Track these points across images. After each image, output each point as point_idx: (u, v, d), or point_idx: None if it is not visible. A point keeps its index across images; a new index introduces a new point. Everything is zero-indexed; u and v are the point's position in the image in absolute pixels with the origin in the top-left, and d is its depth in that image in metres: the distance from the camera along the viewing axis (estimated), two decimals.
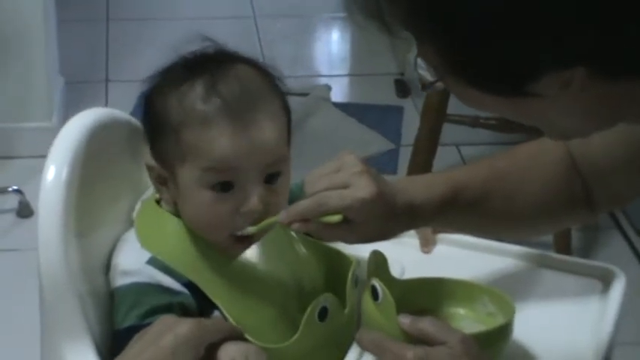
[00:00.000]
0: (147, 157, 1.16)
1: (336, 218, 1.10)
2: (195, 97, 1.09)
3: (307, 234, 1.26)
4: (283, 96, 1.15)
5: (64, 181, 1.10)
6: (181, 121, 1.09)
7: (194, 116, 1.09)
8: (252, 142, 1.08)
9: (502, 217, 1.22)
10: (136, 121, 1.21)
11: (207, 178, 1.09)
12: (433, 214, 1.17)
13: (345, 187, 1.11)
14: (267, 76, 1.14)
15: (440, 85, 0.99)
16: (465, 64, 0.94)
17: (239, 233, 1.11)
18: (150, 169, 1.15)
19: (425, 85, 1.01)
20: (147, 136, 1.16)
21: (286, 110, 1.15)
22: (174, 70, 1.12)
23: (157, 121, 1.12)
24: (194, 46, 1.13)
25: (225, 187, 1.09)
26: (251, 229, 1.10)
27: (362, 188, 1.11)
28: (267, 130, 1.09)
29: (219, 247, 1.13)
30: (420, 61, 0.99)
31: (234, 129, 1.08)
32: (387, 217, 1.14)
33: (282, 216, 1.11)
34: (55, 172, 1.10)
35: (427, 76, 0.99)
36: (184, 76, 1.11)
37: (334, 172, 1.13)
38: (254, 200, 1.09)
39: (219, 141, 1.08)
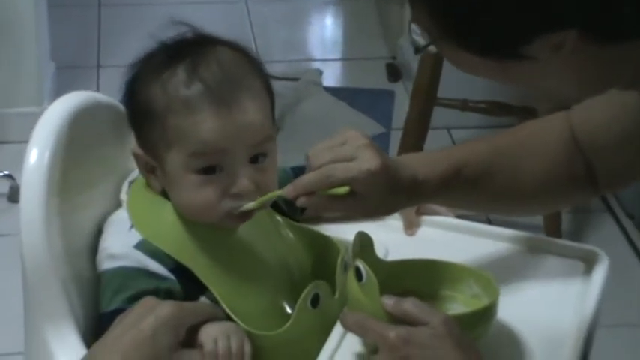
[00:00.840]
0: (133, 145, 1.16)
1: (343, 190, 1.11)
2: (178, 82, 1.10)
3: (294, 219, 1.26)
4: (265, 77, 1.15)
5: (47, 164, 1.10)
6: (166, 108, 1.10)
7: (178, 102, 1.09)
8: (237, 124, 1.09)
9: (503, 194, 1.22)
10: (119, 105, 1.21)
11: (195, 163, 1.10)
12: (435, 190, 1.18)
13: (351, 159, 1.12)
14: (247, 58, 1.14)
15: (433, 48, 1.00)
16: (457, 27, 0.94)
17: (237, 211, 1.11)
18: (137, 157, 1.15)
19: (418, 49, 1.01)
20: (132, 125, 1.16)
21: (269, 91, 1.15)
22: (155, 57, 1.13)
23: (141, 110, 1.13)
24: (174, 32, 1.13)
25: (213, 170, 1.10)
26: (250, 205, 1.11)
27: (367, 160, 1.12)
28: (251, 111, 1.10)
29: (215, 225, 1.13)
30: (414, 26, 0.99)
31: (218, 112, 1.08)
32: (392, 190, 1.14)
33: (287, 190, 1.12)
34: (37, 155, 1.10)
35: (421, 40, 1.00)
36: (165, 63, 1.11)
37: (339, 145, 1.14)
38: (243, 181, 1.10)
39: (205, 125, 1.08)
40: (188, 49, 1.12)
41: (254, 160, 1.11)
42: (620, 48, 0.94)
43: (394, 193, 1.15)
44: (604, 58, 0.95)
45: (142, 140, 1.14)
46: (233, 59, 1.13)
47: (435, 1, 0.94)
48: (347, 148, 1.13)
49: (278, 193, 1.13)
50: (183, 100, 1.09)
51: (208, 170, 1.10)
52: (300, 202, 1.12)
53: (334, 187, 1.11)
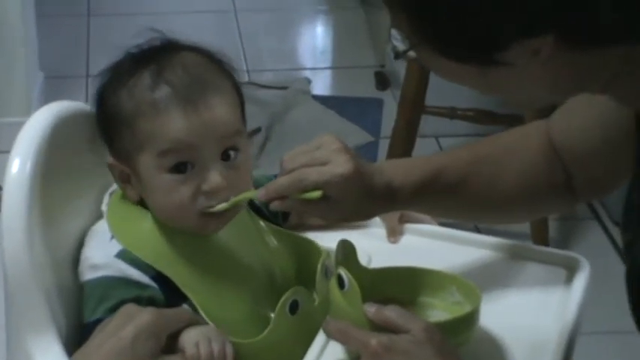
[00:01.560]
0: (107, 156, 1.17)
1: (316, 194, 1.11)
2: (144, 87, 1.12)
3: (277, 224, 1.27)
4: (234, 79, 1.17)
5: (28, 173, 1.10)
6: (134, 113, 1.12)
7: (145, 105, 1.11)
8: (205, 120, 1.10)
9: (481, 201, 1.22)
10: None
11: (166, 161, 1.11)
12: (412, 196, 1.18)
13: (324, 163, 1.12)
14: (215, 62, 1.16)
15: (412, 54, 1.01)
16: (435, 33, 0.95)
17: (210, 210, 1.12)
18: (112, 167, 1.17)
19: (398, 54, 1.02)
20: (104, 136, 1.17)
21: (238, 92, 1.17)
22: (122, 66, 1.15)
23: (110, 118, 1.15)
24: (144, 40, 1.15)
25: (183, 167, 1.11)
26: (222, 206, 1.12)
27: (340, 165, 1.12)
28: (217, 107, 1.12)
29: (193, 228, 1.14)
30: (394, 32, 1.00)
31: (185, 110, 1.10)
32: (366, 196, 1.15)
33: (260, 193, 1.12)
34: (19, 164, 1.10)
35: (401, 46, 1.01)
36: (132, 70, 1.13)
37: (313, 150, 1.14)
38: (214, 176, 1.11)
39: (173, 124, 1.10)
40: (153, 55, 1.14)
41: (226, 157, 1.12)
42: (596, 54, 0.95)
43: (369, 199, 1.15)
44: (580, 63, 0.95)
45: (115, 149, 1.16)
46: (199, 62, 1.14)
47: (412, 8, 0.95)
48: (321, 152, 1.13)
49: (250, 194, 1.13)
50: (150, 103, 1.11)
51: (180, 167, 1.11)
52: (274, 205, 1.13)
53: (307, 190, 1.11)
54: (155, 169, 1.11)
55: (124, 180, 1.16)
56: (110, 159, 1.16)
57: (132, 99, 1.12)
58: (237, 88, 1.17)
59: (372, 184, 1.15)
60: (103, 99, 1.16)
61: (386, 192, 1.16)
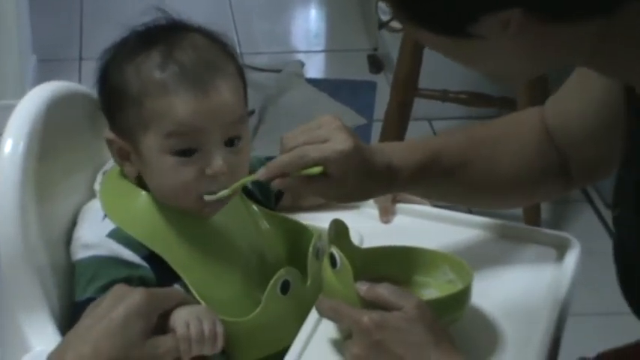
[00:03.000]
0: (106, 131, 1.17)
1: (316, 170, 1.12)
2: (153, 66, 1.11)
3: (270, 208, 1.27)
4: (237, 62, 1.17)
5: (21, 153, 1.11)
6: (141, 91, 1.11)
7: (154, 84, 1.11)
8: (212, 104, 1.10)
9: (478, 185, 1.23)
10: (95, 94, 1.22)
11: (171, 144, 1.11)
12: (409, 178, 1.19)
13: (324, 141, 1.13)
14: (220, 44, 1.16)
15: (395, 24, 1.02)
16: (405, 3, 0.96)
17: (213, 198, 1.12)
18: (110, 142, 1.16)
19: (381, 25, 1.03)
20: (106, 111, 1.17)
21: (241, 76, 1.17)
22: (129, 43, 1.14)
23: (115, 94, 1.14)
24: (149, 19, 1.15)
25: (188, 151, 1.11)
26: (223, 193, 1.12)
27: (340, 142, 1.13)
28: (225, 91, 1.12)
29: (191, 211, 1.14)
30: (381, 3, 1.01)
31: (194, 93, 1.10)
32: (366, 174, 1.15)
33: (260, 173, 1.12)
34: (12, 144, 1.11)
35: (385, 17, 1.02)
36: (139, 48, 1.13)
37: (314, 128, 1.15)
38: (218, 161, 1.11)
39: (181, 106, 1.10)
40: (162, 34, 1.14)
41: (229, 143, 1.13)
42: (567, 30, 0.94)
43: (369, 178, 1.16)
44: (552, 39, 0.95)
45: (117, 125, 1.15)
46: (207, 44, 1.14)
47: None
48: (321, 131, 1.14)
49: (251, 177, 1.14)
50: (159, 82, 1.11)
51: (185, 152, 1.11)
52: (275, 183, 1.13)
53: (308, 167, 1.12)
54: (159, 150, 1.11)
55: (122, 156, 1.16)
56: (110, 134, 1.16)
57: (139, 77, 1.11)
58: (240, 71, 1.17)
59: (372, 163, 1.16)
60: (107, 75, 1.15)
61: (386, 172, 1.17)
